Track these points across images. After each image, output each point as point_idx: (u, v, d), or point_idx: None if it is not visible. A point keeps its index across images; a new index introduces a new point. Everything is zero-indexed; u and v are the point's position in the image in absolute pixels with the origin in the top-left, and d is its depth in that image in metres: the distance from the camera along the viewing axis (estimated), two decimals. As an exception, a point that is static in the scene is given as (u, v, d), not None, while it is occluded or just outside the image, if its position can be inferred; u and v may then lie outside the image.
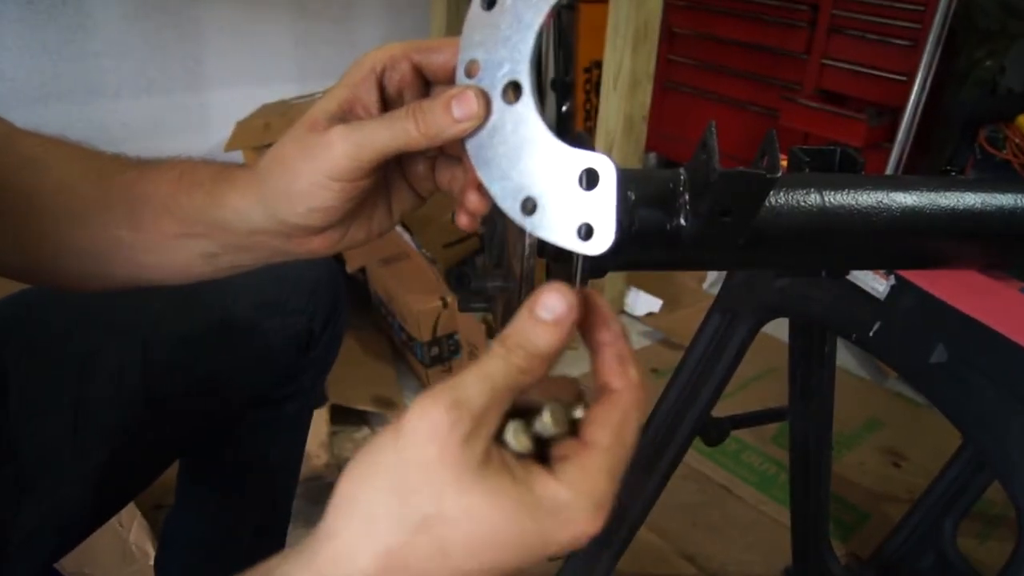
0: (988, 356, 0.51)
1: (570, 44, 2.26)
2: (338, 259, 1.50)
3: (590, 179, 0.32)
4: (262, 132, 1.60)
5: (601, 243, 0.32)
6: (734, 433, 0.85)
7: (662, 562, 1.12)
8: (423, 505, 0.26)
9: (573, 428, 0.31)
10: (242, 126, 1.67)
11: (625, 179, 0.38)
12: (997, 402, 0.50)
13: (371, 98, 0.38)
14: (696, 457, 1.32)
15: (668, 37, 2.14)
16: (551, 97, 2.35)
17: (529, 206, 0.34)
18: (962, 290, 0.53)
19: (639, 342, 1.70)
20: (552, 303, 0.30)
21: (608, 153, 0.44)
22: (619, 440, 0.30)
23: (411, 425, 0.27)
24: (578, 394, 0.32)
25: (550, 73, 2.32)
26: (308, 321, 0.75)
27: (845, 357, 1.64)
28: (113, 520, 0.93)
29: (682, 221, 0.38)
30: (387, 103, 0.39)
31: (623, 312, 1.80)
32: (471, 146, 0.35)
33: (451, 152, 0.41)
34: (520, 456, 0.29)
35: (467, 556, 0.27)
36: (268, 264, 0.45)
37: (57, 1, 1.50)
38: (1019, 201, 0.45)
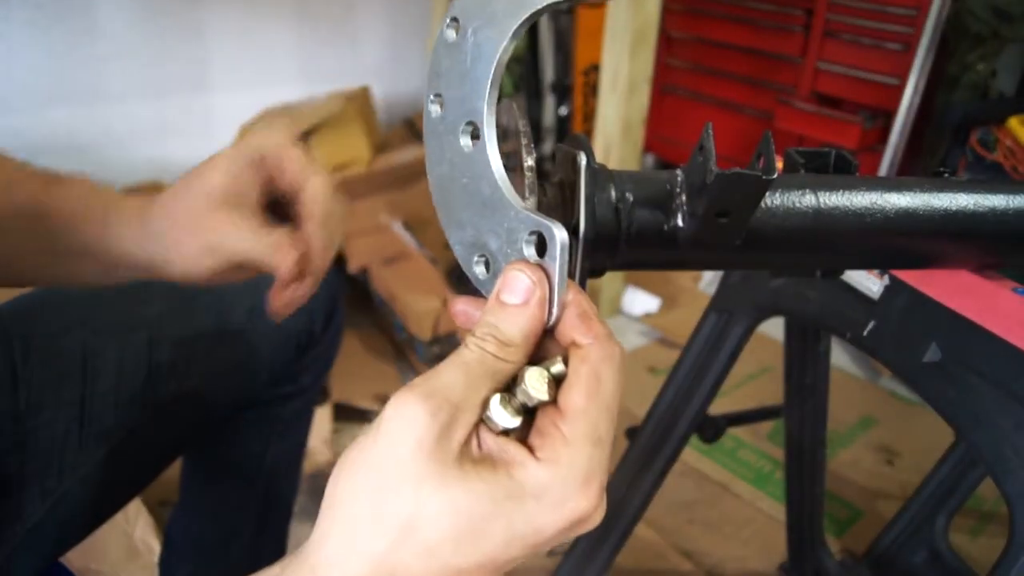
0: (981, 355, 0.51)
1: (568, 47, 2.27)
2: (338, 259, 1.50)
3: (539, 245, 0.30)
4: (263, 134, 1.60)
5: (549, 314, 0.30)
6: (730, 431, 0.86)
7: (659, 558, 1.12)
8: (403, 505, 0.25)
9: (558, 386, 0.29)
10: (246, 129, 1.67)
11: (623, 180, 0.39)
12: (990, 400, 0.50)
13: (252, 180, 0.45)
14: (693, 454, 1.33)
15: (665, 41, 2.15)
16: (550, 99, 2.36)
17: (483, 265, 0.33)
18: (955, 290, 0.53)
19: (637, 341, 1.71)
20: (516, 284, 0.29)
21: (603, 163, 0.44)
22: (594, 399, 0.28)
23: (388, 419, 0.26)
24: (564, 349, 0.30)
25: (548, 76, 2.33)
26: (307, 322, 0.76)
27: (839, 356, 1.65)
28: (119, 516, 0.93)
29: (679, 222, 0.38)
30: (265, 185, 0.46)
31: (621, 312, 1.81)
32: (434, 188, 0.34)
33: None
34: (507, 431, 0.28)
35: (454, 553, 0.25)
36: None
37: (64, 5, 1.50)
38: (1011, 202, 0.45)
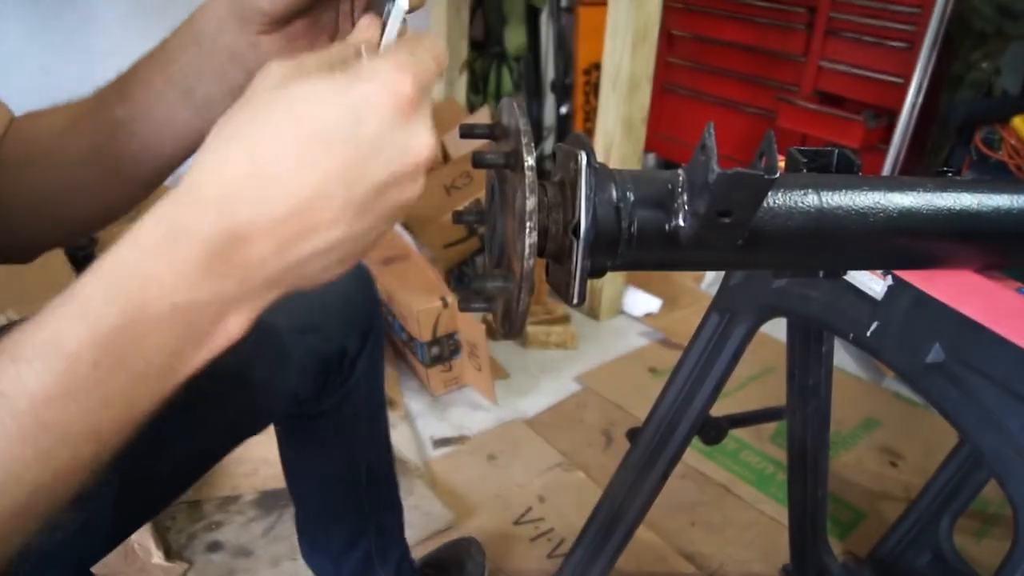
0: (985, 356, 0.50)
1: (569, 46, 2.26)
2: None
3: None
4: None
5: None
6: (732, 432, 0.85)
7: (661, 561, 1.12)
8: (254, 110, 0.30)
9: None
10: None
11: (624, 180, 0.39)
12: (994, 402, 0.50)
13: None
14: (695, 456, 1.32)
15: (667, 39, 2.14)
16: (550, 98, 2.35)
17: None
18: (958, 290, 0.53)
19: (638, 342, 1.70)
20: (365, 20, 0.40)
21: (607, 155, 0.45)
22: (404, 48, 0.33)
23: (254, 81, 0.31)
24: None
25: (549, 75, 2.33)
26: (341, 344, 0.75)
27: (843, 357, 1.65)
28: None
29: (681, 222, 0.38)
30: None
31: (622, 312, 1.81)
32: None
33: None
34: None
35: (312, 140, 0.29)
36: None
37: (61, 2, 1.50)
38: (1015, 201, 0.45)
